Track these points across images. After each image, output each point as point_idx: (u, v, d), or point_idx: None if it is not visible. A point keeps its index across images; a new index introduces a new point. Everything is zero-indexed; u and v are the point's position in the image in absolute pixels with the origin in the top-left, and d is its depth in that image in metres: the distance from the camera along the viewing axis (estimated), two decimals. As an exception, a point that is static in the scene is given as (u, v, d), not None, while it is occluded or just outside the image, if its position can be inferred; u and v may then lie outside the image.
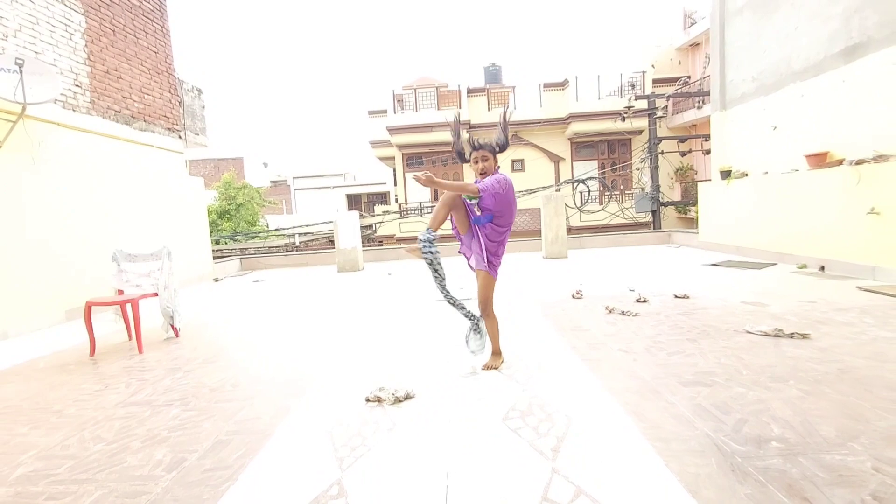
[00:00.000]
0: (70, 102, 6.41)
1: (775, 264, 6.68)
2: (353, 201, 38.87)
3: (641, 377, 2.77)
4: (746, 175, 7.75)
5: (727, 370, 2.79)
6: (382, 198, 37.22)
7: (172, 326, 4.53)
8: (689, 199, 15.83)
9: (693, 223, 15.14)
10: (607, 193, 16.28)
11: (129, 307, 4.27)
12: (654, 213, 12.16)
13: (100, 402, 2.94)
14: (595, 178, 14.15)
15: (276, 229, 19.32)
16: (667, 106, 12.49)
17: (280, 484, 1.88)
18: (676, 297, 4.90)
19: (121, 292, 4.50)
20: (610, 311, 4.42)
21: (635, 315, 4.25)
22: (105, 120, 7.04)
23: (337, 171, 41.28)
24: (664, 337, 3.55)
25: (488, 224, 2.80)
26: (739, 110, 8.11)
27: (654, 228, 12.09)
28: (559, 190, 11.33)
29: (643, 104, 13.18)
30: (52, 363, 3.93)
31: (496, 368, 3.01)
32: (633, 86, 13.45)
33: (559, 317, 4.37)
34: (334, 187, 40.33)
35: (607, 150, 17.42)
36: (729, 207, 8.06)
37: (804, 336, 3.33)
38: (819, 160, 6.24)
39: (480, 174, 2.72)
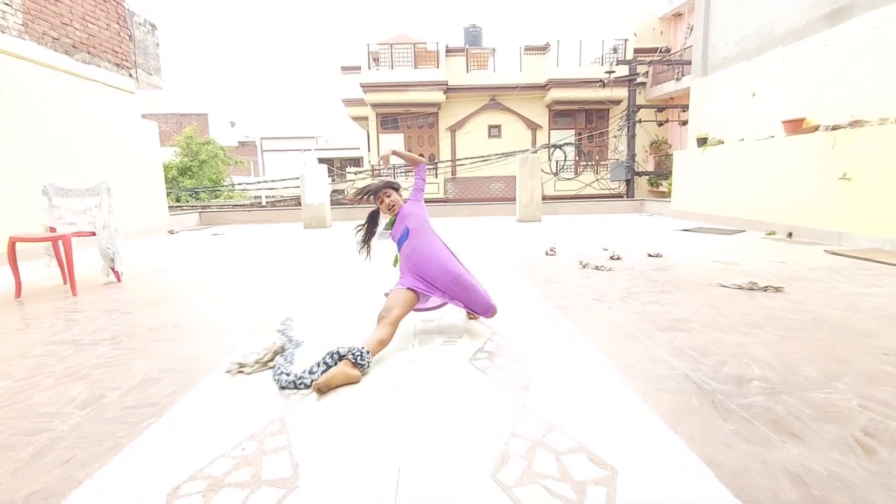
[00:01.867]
0: (-3, 22, 5.67)
1: (744, 231, 6.71)
2: (327, 165, 37.64)
3: (617, 323, 2.63)
4: (722, 143, 7.70)
5: (703, 318, 2.68)
6: (356, 163, 36.21)
7: (113, 270, 4.13)
8: (661, 172, 15.95)
9: (665, 196, 15.29)
10: (583, 162, 16.20)
11: (61, 246, 3.85)
12: (628, 182, 12.14)
13: (16, 340, 2.60)
14: (572, 143, 13.96)
15: (239, 184, 18.39)
16: (648, 72, 12.27)
17: (212, 420, 1.63)
18: (650, 255, 4.81)
19: (53, 230, 4.05)
20: (584, 266, 4.29)
21: (609, 270, 4.13)
22: (41, 47, 6.30)
23: (308, 134, 39.79)
24: (638, 289, 3.43)
25: (405, 242, 2.55)
26: (720, 76, 8.00)
27: (627, 197, 12.09)
28: (535, 152, 11.08)
29: (624, 72, 12.95)
30: (-29, 304, 3.51)
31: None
32: (615, 50, 13.13)
33: (532, 271, 4.21)
34: (305, 150, 38.94)
35: (585, 119, 17.21)
36: (703, 175, 8.04)
37: (778, 290, 3.27)
38: (795, 126, 6.20)
39: (389, 209, 2.62)
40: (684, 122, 12.10)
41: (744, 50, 7.39)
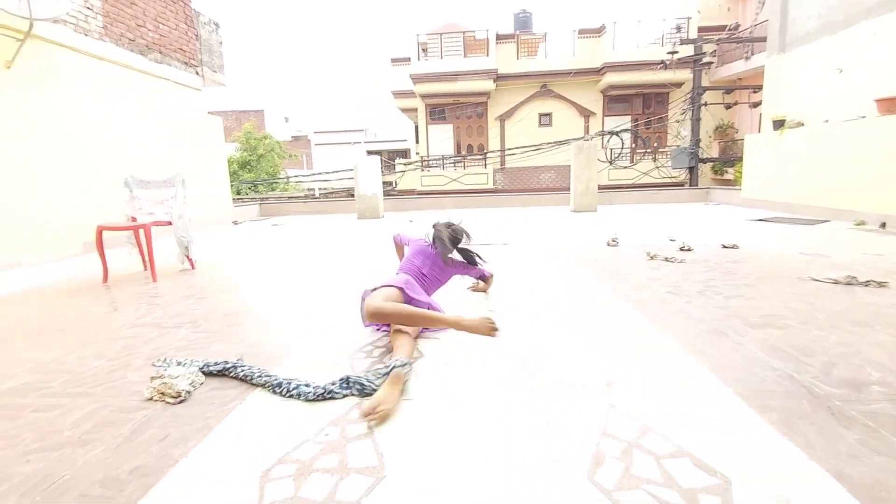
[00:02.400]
0: (82, 26, 6.08)
1: (828, 221, 6.15)
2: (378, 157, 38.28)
3: (699, 318, 2.45)
4: (802, 125, 7.07)
5: (798, 314, 2.44)
6: (403, 155, 36.56)
7: (188, 258, 4.35)
8: (728, 158, 14.96)
9: (731, 184, 14.34)
10: (640, 150, 15.43)
11: (142, 234, 4.09)
12: (691, 169, 11.45)
13: (106, 323, 2.77)
14: (629, 129, 13.30)
15: (294, 176, 18.98)
16: (715, 52, 11.41)
17: (292, 405, 1.65)
18: (724, 247, 4.50)
19: (134, 220, 4.31)
20: (652, 258, 4.06)
21: (681, 262, 3.88)
22: (119, 48, 6.72)
23: (357, 127, 40.54)
24: (717, 282, 3.19)
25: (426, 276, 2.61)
26: (800, 53, 7.32)
27: (690, 186, 11.42)
28: (591, 139, 10.65)
29: (688, 52, 12.16)
30: (63, 289, 3.80)
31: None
32: (678, 29, 12.30)
33: (594, 263, 4.03)
34: (354, 143, 39.73)
35: (642, 104, 16.39)
36: (779, 161, 7.42)
37: (881, 284, 2.94)
38: (891, 105, 5.58)
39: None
40: (755, 104, 11.25)
41: (828, 23, 6.72)
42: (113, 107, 6.53)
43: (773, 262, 3.75)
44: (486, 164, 16.29)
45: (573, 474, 1.21)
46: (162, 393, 1.71)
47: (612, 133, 12.19)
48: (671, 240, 5.03)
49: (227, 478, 1.25)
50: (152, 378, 1.83)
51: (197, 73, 8.67)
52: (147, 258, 4.01)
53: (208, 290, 3.51)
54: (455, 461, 1.29)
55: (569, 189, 8.57)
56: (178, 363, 1.98)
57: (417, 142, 33.92)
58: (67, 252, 5.59)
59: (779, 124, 7.44)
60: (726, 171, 15.19)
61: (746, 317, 2.43)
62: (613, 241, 4.89)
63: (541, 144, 12.70)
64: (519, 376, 1.81)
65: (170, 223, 4.20)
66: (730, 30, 11.53)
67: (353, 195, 25.03)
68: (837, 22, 6.51)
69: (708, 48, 11.48)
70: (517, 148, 12.47)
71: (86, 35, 6.15)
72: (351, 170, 20.18)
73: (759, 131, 8.32)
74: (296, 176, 19.58)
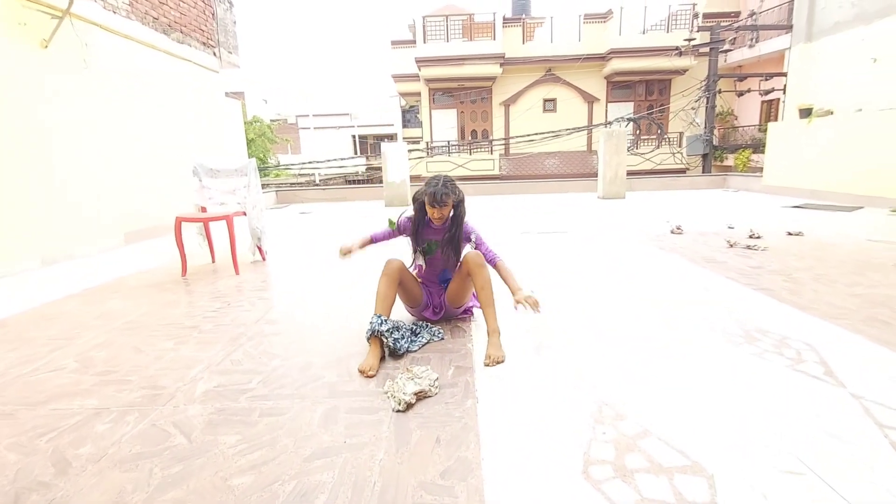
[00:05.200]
0: (110, 3, 5.72)
1: (862, 208, 6.36)
2: (361, 143, 37.77)
3: (842, 306, 2.51)
4: (831, 113, 7.24)
5: (938, 301, 2.53)
6: (390, 139, 36.04)
7: (259, 249, 4.21)
8: (726, 146, 15.27)
9: (729, 170, 14.67)
10: (654, 136, 15.55)
11: (219, 225, 3.93)
12: (704, 156, 11.65)
13: (234, 318, 2.67)
14: (645, 116, 13.38)
15: (310, 162, 18.43)
16: (735, 38, 11.58)
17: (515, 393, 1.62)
18: (790, 234, 4.60)
19: (203, 210, 4.14)
20: (731, 245, 4.13)
21: (763, 249, 3.96)
22: (144, 26, 6.36)
23: (343, 111, 39.73)
24: (820, 270, 3.27)
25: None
26: (830, 41, 7.46)
27: (703, 172, 11.63)
28: (609, 125, 10.68)
29: (695, 39, 12.26)
30: (144, 282, 3.63)
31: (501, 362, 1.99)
32: (696, 16, 12.37)
33: (679, 250, 4.07)
34: (340, 127, 38.98)
35: (645, 91, 16.52)
36: (806, 148, 7.60)
37: (984, 271, 3.06)
38: (929, 95, 5.76)
39: (436, 219, 2.27)
40: (765, 92, 11.47)
41: (863, 12, 6.85)
42: (140, 90, 6.21)
43: (854, 250, 3.85)
44: (492, 150, 16.21)
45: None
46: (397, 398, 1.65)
47: (630, 119, 12.29)
48: (730, 227, 5.13)
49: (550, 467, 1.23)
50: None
51: (214, 54, 8.30)
52: (222, 250, 3.85)
53: (296, 284, 3.41)
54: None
55: (580, 175, 8.59)
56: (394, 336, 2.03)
57: (404, 126, 33.42)
58: (110, 244, 5.34)
59: (806, 113, 7.61)
60: (726, 158, 15.52)
61: (889, 304, 2.50)
62: (678, 228, 4.94)
63: (559, 130, 12.68)
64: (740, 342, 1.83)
65: (244, 213, 4.05)
66: (751, 17, 11.69)
67: (350, 182, 24.58)
68: (873, 12, 6.65)
69: (727, 34, 11.57)
70: (537, 134, 12.41)
71: (114, 13, 5.79)
72: (349, 158, 19.78)
73: (779, 119, 8.49)
74: (302, 164, 18.94)
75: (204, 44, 7.99)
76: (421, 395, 1.67)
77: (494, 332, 2.07)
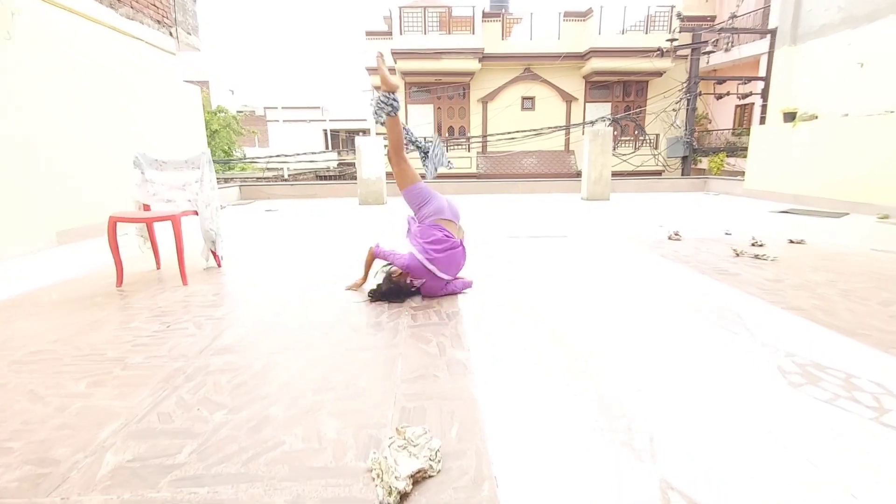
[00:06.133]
0: (42, -34, 4.97)
1: (848, 214, 6.26)
2: (332, 138, 36.85)
3: (888, 329, 2.19)
4: (816, 118, 7.16)
5: None
6: (364, 134, 35.22)
7: (214, 253, 3.65)
8: (700, 148, 15.35)
9: (703, 173, 14.77)
10: (632, 138, 15.49)
11: (166, 226, 3.35)
12: (684, 158, 11.59)
13: (173, 346, 2.14)
14: (629, 117, 13.23)
15: (267, 157, 17.56)
16: (717, 40, 11.54)
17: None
18: (792, 241, 4.37)
19: (147, 208, 3.54)
20: (738, 255, 3.84)
21: (773, 259, 3.68)
22: (86, -2, 5.61)
23: (313, 104, 38.66)
24: (844, 284, 2.99)
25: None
26: (815, 45, 7.39)
27: (683, 175, 11.56)
28: (593, 124, 10.44)
29: (677, 40, 12.18)
30: (69, 295, 3.02)
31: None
32: (679, 16, 12.28)
33: (684, 260, 3.75)
34: (311, 121, 37.91)
35: (622, 92, 16.45)
36: (790, 153, 7.52)
37: None
38: (917, 101, 5.68)
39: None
40: (743, 96, 11.50)
41: (850, 15, 6.78)
42: (81, 70, 5.47)
43: (863, 261, 3.62)
44: (469, 148, 15.81)
45: None
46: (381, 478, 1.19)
47: (614, 119, 12.10)
48: (727, 233, 4.87)
49: None
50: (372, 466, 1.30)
51: (171, 34, 7.55)
52: (170, 255, 3.28)
53: (255, 297, 2.89)
54: None
55: (558, 175, 8.30)
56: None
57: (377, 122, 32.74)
58: (38, 244, 4.62)
59: (790, 117, 7.52)
60: (699, 161, 15.64)
61: (944, 330, 2.21)
62: (676, 234, 4.65)
63: (542, 128, 12.39)
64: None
65: (195, 213, 3.48)
66: (731, 17, 11.68)
67: (322, 177, 23.77)
68: (861, 15, 6.57)
69: (708, 36, 11.52)
70: (517, 132, 12.07)
71: (48, -22, 5.05)
72: (320, 152, 19.01)
73: (753, 123, 8.43)
74: (269, 157, 18.03)
75: (159, 22, 7.24)
76: (419, 477, 1.21)
77: None
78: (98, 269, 3.64)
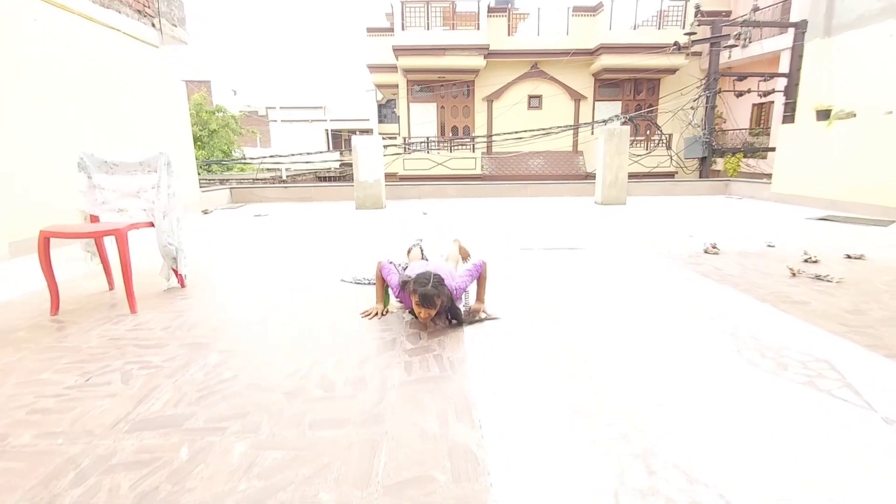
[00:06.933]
0: (-3, -56, 4.44)
1: (895, 221, 5.65)
2: (335, 138, 36.42)
3: None
4: (854, 115, 6.55)
5: None
6: (366, 135, 34.65)
7: (176, 273, 3.09)
8: (716, 149, 14.71)
9: (718, 174, 14.13)
10: (644, 138, 14.86)
11: (111, 241, 2.79)
12: (702, 160, 10.96)
13: (81, 416, 1.58)
14: (644, 116, 12.60)
15: (262, 157, 17.07)
16: (740, 34, 10.88)
17: None
18: (849, 257, 3.78)
19: (95, 219, 2.99)
20: (794, 275, 3.25)
21: (839, 281, 3.09)
22: (51, -18, 5.08)
23: (315, 104, 38.25)
24: (945, 318, 2.40)
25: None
26: (852, 37, 6.77)
27: (701, 177, 10.94)
28: (606, 122, 9.86)
29: (696, 33, 11.53)
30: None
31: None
32: (698, 7, 11.59)
33: (729, 279, 3.17)
34: (313, 121, 37.52)
35: (633, 90, 15.81)
36: (825, 154, 6.90)
37: None
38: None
39: (422, 316, 2.23)
40: (765, 93, 10.86)
41: (892, 4, 6.16)
42: (50, 62, 4.94)
43: (951, 283, 3.03)
44: (473, 148, 15.21)
45: None
46: None
47: (629, 118, 11.50)
48: (769, 245, 4.28)
49: None
50: None
51: (153, 25, 7.02)
52: (111, 272, 2.74)
53: (222, 331, 2.33)
54: None
55: (566, 177, 7.72)
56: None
57: (381, 121, 32.26)
58: (-14, 256, 4.09)
59: (824, 115, 6.90)
60: (715, 162, 14.99)
61: None
62: (714, 247, 4.06)
63: (551, 128, 11.78)
64: None
65: (151, 224, 2.92)
66: (753, 10, 11.01)
67: (323, 178, 23.29)
68: (907, 3, 5.96)
69: (730, 30, 10.89)
70: (525, 131, 11.45)
71: (5, -42, 4.52)
72: (318, 152, 18.49)
73: (771, 122, 7.81)
74: (263, 158, 17.54)
75: (139, 12, 6.72)
76: None
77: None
78: (40, 291, 3.09)
